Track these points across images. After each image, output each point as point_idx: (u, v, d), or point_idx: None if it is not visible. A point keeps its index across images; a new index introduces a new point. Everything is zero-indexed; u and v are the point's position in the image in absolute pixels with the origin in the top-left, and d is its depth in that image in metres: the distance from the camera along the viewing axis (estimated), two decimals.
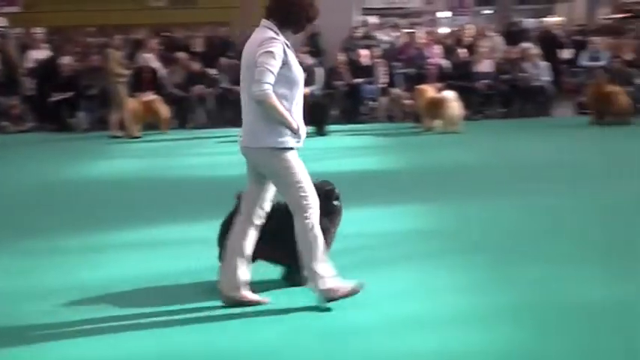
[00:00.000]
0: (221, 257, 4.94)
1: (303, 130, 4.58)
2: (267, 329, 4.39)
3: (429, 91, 13.15)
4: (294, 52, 4.62)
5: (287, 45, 4.52)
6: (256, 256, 4.87)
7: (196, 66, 14.74)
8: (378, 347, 4.10)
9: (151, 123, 13.61)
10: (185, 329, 4.43)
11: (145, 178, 9.53)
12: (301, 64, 4.80)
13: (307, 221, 4.55)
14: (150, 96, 13.64)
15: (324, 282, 4.60)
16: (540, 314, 4.50)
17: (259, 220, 4.76)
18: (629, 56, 14.62)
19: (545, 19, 25.00)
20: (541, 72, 14.58)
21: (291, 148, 4.55)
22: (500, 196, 7.84)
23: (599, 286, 4.96)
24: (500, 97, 14.73)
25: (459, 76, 14.43)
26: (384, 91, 14.69)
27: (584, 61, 15.12)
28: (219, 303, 4.74)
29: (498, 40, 16.37)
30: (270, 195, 4.76)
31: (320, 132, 12.77)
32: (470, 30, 16.83)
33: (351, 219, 5.65)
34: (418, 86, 13.41)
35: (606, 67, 14.25)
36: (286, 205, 4.64)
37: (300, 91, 4.60)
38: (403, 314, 4.58)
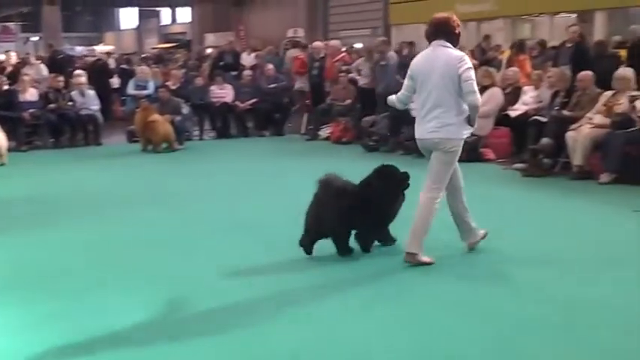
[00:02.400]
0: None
1: None
2: None
3: None
4: None
5: None
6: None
7: None
8: None
9: None
10: None
11: None
12: None
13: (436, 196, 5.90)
14: None
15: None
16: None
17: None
18: (174, 85, 15.14)
19: (94, 47, 24.98)
20: (89, 100, 14.41)
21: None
22: (39, 229, 7.49)
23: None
24: (49, 127, 14.21)
25: (2, 106, 13.63)
26: None
27: (132, 89, 15.29)
28: None
29: (42, 68, 15.86)
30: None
31: None
32: (11, 57, 16.04)
33: None
34: None
35: (153, 96, 14.57)
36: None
37: None
38: None
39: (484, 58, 15.74)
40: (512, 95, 11.84)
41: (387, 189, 6.16)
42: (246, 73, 16.20)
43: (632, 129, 9.25)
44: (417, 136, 6.08)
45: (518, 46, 14.71)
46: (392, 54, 14.55)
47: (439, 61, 5.86)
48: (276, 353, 4.29)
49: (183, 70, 17.84)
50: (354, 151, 12.67)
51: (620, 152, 9.17)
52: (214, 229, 7.39)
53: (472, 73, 5.77)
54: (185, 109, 14.29)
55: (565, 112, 10.14)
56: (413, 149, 11.77)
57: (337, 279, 5.63)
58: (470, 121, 5.87)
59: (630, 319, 4.71)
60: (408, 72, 6.13)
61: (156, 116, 13.20)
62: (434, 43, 5.98)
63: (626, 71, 10.15)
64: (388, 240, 6.42)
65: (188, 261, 6.27)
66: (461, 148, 5.96)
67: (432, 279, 5.58)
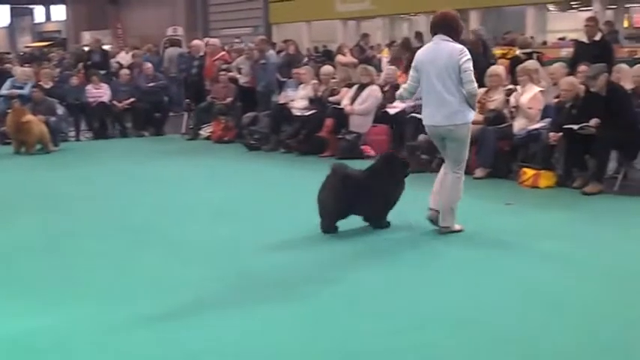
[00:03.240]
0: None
1: None
2: None
3: None
4: None
5: None
6: None
7: None
8: None
9: None
10: None
11: None
12: None
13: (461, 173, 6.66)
14: None
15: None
16: None
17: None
18: (48, 85, 14.62)
19: None
20: None
21: None
22: None
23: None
24: None
25: None
26: None
27: (5, 89, 14.65)
28: None
29: None
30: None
31: None
32: None
33: None
34: None
35: (26, 96, 14.02)
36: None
37: None
38: None
39: (363, 56, 15.97)
40: (391, 93, 12.04)
41: (391, 175, 6.83)
42: (124, 72, 15.84)
43: (504, 125, 9.58)
44: (428, 123, 6.71)
45: (403, 45, 14.89)
46: (271, 52, 14.56)
47: (443, 52, 6.45)
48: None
49: (59, 69, 17.28)
50: (235, 150, 12.59)
51: (493, 148, 9.47)
52: (99, 233, 7.17)
53: (470, 64, 6.40)
54: (60, 110, 13.82)
55: None
56: (294, 147, 11.88)
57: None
58: (471, 106, 6.54)
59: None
60: (413, 64, 6.73)
61: (29, 117, 12.71)
62: (436, 36, 6.58)
63: (497, 68, 10.48)
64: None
65: (72, 267, 6.06)
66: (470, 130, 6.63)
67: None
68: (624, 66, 10.21)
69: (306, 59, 16.51)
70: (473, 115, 6.64)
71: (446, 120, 6.52)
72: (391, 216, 6.95)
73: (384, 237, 6.67)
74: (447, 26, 6.55)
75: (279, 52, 16.66)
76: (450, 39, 6.51)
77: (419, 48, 7.48)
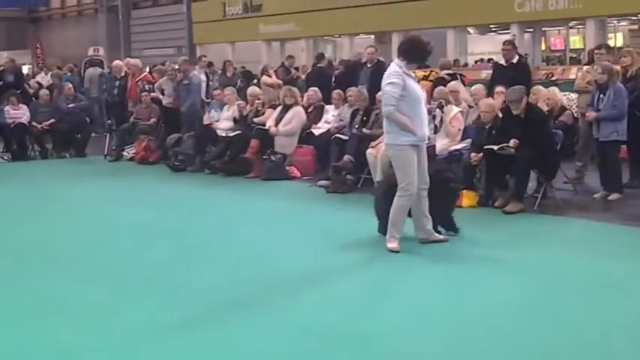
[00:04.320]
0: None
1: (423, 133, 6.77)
2: None
3: None
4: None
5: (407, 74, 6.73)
6: None
7: None
8: None
9: None
10: None
11: None
12: None
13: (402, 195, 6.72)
14: None
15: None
16: None
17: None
18: None
19: None
20: None
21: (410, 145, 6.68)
22: None
23: None
24: None
25: None
26: None
27: None
28: None
29: None
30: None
31: None
32: None
33: None
34: None
35: None
36: None
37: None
38: None
39: (288, 77, 16.02)
40: (316, 113, 12.12)
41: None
42: (44, 92, 15.51)
43: (427, 145, 9.70)
44: None
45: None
46: (194, 73, 14.46)
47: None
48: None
49: None
50: (159, 172, 12.44)
51: None
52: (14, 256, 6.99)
53: (391, 87, 6.58)
54: None
55: (365, 130, 10.48)
56: (219, 168, 11.81)
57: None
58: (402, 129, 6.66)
59: None
60: None
61: None
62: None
63: None
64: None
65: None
66: (407, 153, 6.65)
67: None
68: (540, 87, 10.52)
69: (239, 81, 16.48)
70: (407, 139, 6.65)
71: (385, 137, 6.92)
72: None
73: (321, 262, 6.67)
74: (402, 49, 6.86)
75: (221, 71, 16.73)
76: (398, 61, 6.76)
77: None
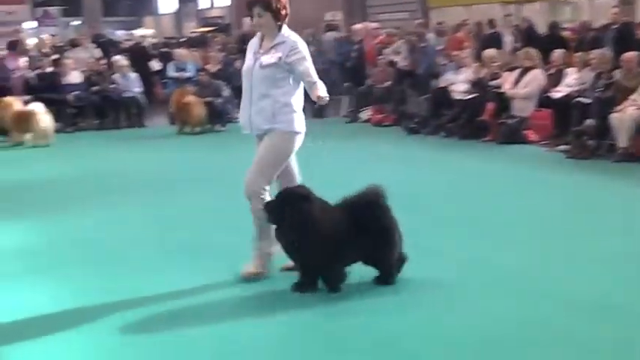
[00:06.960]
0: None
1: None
2: None
3: (15, 104, 12.54)
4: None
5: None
6: None
7: None
8: None
9: None
10: None
11: None
12: None
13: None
14: None
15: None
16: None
17: None
18: (214, 68, 15.21)
19: (134, 31, 25.20)
20: (131, 83, 14.61)
21: None
22: (89, 209, 7.63)
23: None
24: (93, 109, 14.48)
25: (46, 88, 13.92)
26: None
27: (172, 72, 15.38)
28: None
29: (94, 51, 16.27)
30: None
31: None
32: (53, 40, 16.35)
33: None
34: (3, 99, 12.70)
35: (193, 79, 14.68)
36: None
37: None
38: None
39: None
40: (555, 77, 11.74)
41: None
42: None
43: None
44: None
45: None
46: (431, 35, 14.49)
47: None
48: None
49: (223, 53, 17.88)
50: (395, 134, 12.65)
51: None
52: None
53: None
54: (226, 92, 14.34)
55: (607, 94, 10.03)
56: (454, 131, 11.81)
57: None
58: None
59: None
60: None
61: (189, 98, 13.38)
62: None
63: None
64: None
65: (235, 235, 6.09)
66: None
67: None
68: None
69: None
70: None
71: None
72: None
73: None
74: None
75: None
76: None
77: None
